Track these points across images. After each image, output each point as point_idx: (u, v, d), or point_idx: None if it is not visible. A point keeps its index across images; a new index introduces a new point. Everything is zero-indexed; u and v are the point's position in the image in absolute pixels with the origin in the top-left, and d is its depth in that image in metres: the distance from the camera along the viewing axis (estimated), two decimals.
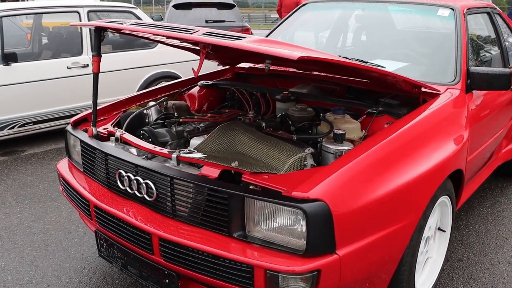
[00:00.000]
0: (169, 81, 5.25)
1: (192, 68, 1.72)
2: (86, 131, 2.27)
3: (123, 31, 2.11)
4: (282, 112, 2.38)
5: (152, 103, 2.54)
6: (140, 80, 5.01)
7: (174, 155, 1.78)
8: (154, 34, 1.79)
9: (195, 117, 2.30)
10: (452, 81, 2.41)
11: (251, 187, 1.60)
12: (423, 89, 2.21)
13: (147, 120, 2.45)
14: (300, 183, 1.51)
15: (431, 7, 2.84)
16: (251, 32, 8.39)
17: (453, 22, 2.69)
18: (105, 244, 2.02)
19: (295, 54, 1.35)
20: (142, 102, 2.62)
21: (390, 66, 2.54)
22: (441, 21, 2.79)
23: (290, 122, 2.24)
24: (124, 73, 4.85)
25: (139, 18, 5.07)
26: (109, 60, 4.65)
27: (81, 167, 2.22)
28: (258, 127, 2.07)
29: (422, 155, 1.85)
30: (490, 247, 2.73)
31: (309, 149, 1.79)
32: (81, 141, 2.16)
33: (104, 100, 4.63)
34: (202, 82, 2.87)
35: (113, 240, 1.94)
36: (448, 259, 2.56)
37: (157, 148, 1.87)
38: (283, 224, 1.53)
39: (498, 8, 3.44)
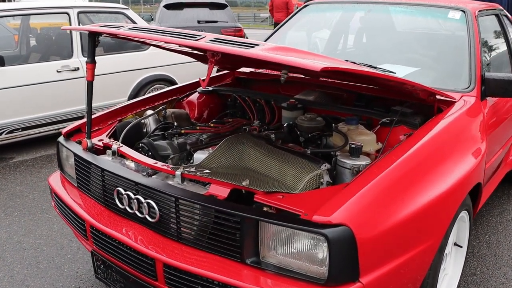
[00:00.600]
0: (162, 84, 5.11)
1: (200, 79, 1.57)
2: (79, 143, 2.12)
3: (119, 36, 1.97)
4: (289, 121, 2.25)
5: (149, 111, 2.39)
6: (132, 84, 4.84)
7: (178, 172, 1.64)
8: (154, 40, 1.64)
9: (197, 127, 2.16)
10: (466, 88, 2.30)
11: (265, 208, 1.47)
12: (437, 97, 2.10)
13: (144, 130, 2.30)
14: (320, 205, 1.38)
15: (441, 9, 2.72)
16: (244, 32, 8.25)
17: (464, 25, 2.58)
18: (102, 265, 1.87)
19: (317, 65, 1.22)
20: (138, 110, 2.47)
21: (399, 71, 2.43)
22: (451, 23, 2.68)
23: (298, 133, 2.12)
24: (116, 77, 4.68)
25: (131, 19, 4.91)
26: (100, 63, 4.45)
27: (75, 182, 2.07)
28: (267, 140, 1.93)
29: (444, 171, 1.73)
30: (503, 259, 2.63)
31: (325, 165, 1.66)
32: (75, 154, 2.00)
33: (96, 104, 4.48)
34: (201, 88, 2.73)
35: (111, 262, 1.80)
36: (462, 274, 2.45)
37: (159, 164, 1.73)
38: (302, 250, 1.40)
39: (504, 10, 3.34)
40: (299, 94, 2.58)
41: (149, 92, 5.00)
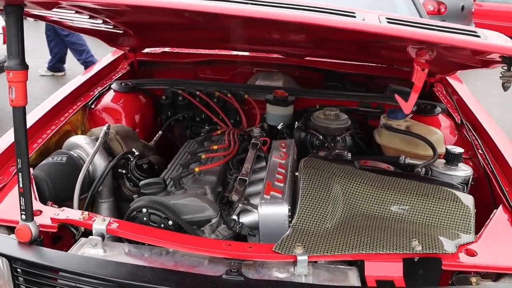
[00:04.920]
0: None
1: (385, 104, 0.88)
2: None
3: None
4: (284, 120, 1.71)
5: (83, 139, 1.42)
6: None
7: (302, 256, 0.95)
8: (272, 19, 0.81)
9: (203, 156, 1.34)
10: None
11: (473, 280, 0.97)
12: None
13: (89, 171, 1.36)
14: None
15: None
16: None
17: None
18: None
19: None
20: (45, 137, 1.45)
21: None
22: None
23: (320, 137, 1.60)
24: None
25: None
26: None
27: None
28: (347, 161, 1.34)
29: None
30: None
31: (465, 188, 1.23)
32: (13, 259, 1.00)
33: None
34: (116, 84, 1.82)
35: None
36: None
37: (256, 248, 0.99)
38: None
39: None
40: (257, 79, 2.00)
41: None
